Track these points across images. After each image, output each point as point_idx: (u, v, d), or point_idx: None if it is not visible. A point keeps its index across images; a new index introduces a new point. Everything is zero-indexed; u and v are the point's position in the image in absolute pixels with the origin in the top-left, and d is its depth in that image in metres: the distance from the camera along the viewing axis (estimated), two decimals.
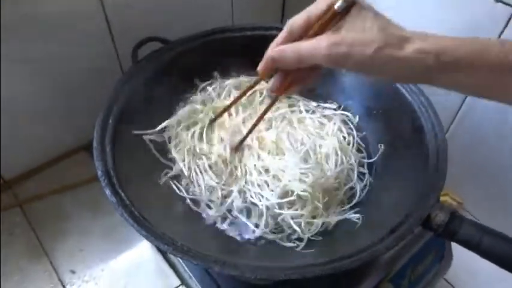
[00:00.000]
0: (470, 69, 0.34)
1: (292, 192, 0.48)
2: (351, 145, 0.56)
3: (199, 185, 0.51)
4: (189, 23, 0.63)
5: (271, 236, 0.48)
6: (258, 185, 0.50)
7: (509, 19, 0.55)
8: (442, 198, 0.43)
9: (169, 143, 0.54)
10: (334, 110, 0.60)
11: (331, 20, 0.36)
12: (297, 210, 0.48)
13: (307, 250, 0.46)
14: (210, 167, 0.52)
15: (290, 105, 0.60)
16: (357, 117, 0.60)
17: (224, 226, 0.49)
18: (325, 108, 0.61)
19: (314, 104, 0.61)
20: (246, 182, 0.51)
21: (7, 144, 0.59)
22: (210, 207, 0.50)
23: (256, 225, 0.48)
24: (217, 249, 0.46)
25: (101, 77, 0.58)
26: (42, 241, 0.57)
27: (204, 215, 0.49)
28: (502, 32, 0.56)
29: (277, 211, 0.48)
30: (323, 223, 0.49)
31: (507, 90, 0.35)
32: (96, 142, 0.46)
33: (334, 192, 0.51)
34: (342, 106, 0.61)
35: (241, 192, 0.50)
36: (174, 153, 0.54)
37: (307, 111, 0.60)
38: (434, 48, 0.34)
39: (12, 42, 0.52)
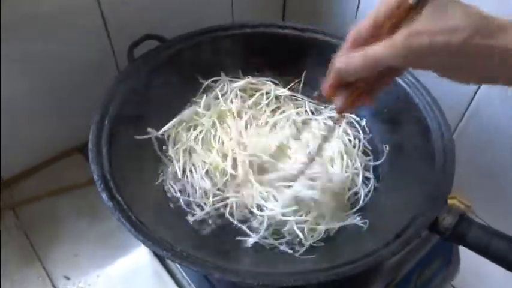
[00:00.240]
0: None
1: (300, 199, 0.48)
2: (356, 148, 0.57)
3: (193, 187, 0.52)
4: (187, 20, 0.63)
5: (270, 242, 0.48)
6: (262, 198, 0.49)
7: None
8: (449, 202, 0.44)
9: (168, 141, 0.55)
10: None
11: (404, 16, 0.32)
12: (301, 216, 0.48)
13: (308, 256, 0.47)
14: (206, 172, 0.52)
15: (296, 108, 0.61)
16: (364, 120, 0.60)
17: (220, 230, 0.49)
18: (332, 110, 0.61)
19: (320, 105, 0.61)
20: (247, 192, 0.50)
21: None
22: (202, 209, 0.50)
23: (256, 230, 0.48)
24: (216, 254, 0.46)
25: (96, 75, 0.58)
26: (35, 245, 0.57)
27: (189, 218, 0.50)
28: None
29: (282, 218, 0.48)
30: (326, 229, 0.49)
31: None
32: (92, 143, 0.46)
33: (341, 197, 0.51)
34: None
35: (240, 201, 0.50)
36: (171, 152, 0.54)
37: (312, 112, 0.60)
38: None
39: (4, 40, 0.52)
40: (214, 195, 0.51)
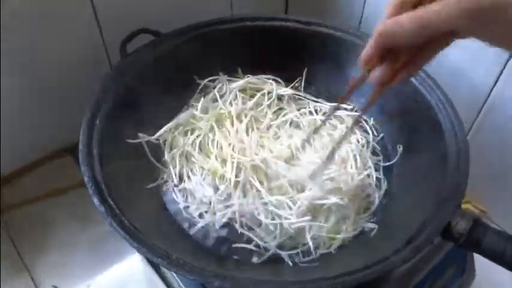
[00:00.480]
0: None
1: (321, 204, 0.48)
2: (365, 148, 0.57)
3: (191, 194, 0.51)
4: (183, 13, 0.63)
5: (281, 252, 0.47)
6: (275, 206, 0.48)
7: None
8: (463, 206, 0.43)
9: (164, 145, 0.55)
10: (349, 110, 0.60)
11: None
12: (321, 222, 0.47)
13: (313, 264, 0.46)
14: (204, 178, 0.52)
15: (299, 109, 0.60)
16: (372, 118, 0.60)
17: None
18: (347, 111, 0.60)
19: (326, 105, 0.61)
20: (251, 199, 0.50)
21: None
22: (200, 216, 0.50)
23: (262, 240, 0.47)
24: (213, 262, 0.46)
25: (86, 71, 0.58)
26: (22, 254, 0.57)
27: (186, 225, 0.49)
28: None
29: (298, 225, 0.47)
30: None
31: None
32: (82, 144, 0.46)
33: (359, 200, 0.51)
34: (356, 107, 0.61)
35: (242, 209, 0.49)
36: (167, 157, 0.54)
37: (316, 112, 0.60)
38: None
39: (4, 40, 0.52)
40: (215, 202, 0.50)
